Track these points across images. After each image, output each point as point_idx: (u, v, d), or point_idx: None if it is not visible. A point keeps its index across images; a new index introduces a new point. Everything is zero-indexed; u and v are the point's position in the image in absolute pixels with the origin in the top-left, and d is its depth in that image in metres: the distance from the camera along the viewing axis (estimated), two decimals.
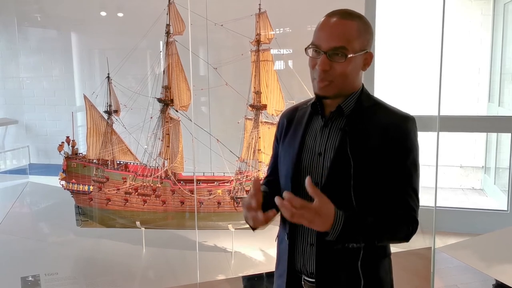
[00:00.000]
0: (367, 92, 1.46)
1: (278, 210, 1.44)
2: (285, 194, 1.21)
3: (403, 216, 1.37)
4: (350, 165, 1.34)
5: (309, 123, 1.47)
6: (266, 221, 1.35)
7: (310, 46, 1.38)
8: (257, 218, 1.33)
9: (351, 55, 1.33)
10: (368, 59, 1.41)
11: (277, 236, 1.58)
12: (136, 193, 3.73)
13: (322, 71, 1.34)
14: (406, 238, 1.39)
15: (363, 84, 1.45)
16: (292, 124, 1.52)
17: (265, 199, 1.37)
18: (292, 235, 1.46)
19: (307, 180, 1.23)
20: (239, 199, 3.65)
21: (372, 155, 1.34)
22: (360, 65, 1.39)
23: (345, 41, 1.33)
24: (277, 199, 1.21)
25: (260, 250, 3.66)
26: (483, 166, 5.94)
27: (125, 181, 3.74)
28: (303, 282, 1.47)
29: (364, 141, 1.36)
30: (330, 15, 1.37)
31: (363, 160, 1.34)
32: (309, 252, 1.43)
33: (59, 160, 3.79)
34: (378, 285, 1.44)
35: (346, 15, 1.36)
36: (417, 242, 3.28)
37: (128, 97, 3.68)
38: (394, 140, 1.35)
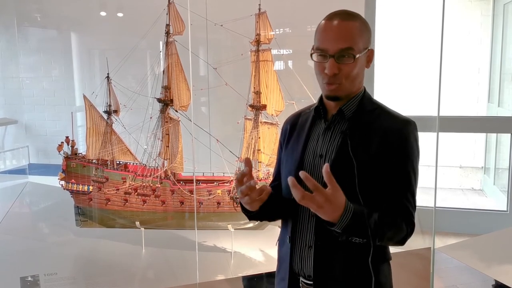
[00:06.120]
0: (369, 95, 1.46)
1: (280, 212, 1.48)
2: (301, 173, 1.20)
3: (402, 218, 1.37)
4: (351, 166, 1.34)
5: (312, 127, 1.47)
6: (260, 194, 1.34)
7: (315, 51, 1.36)
8: (251, 186, 1.31)
9: (358, 55, 1.33)
10: (370, 56, 1.41)
11: (278, 239, 1.58)
12: (136, 193, 3.72)
13: (332, 75, 1.33)
14: (402, 240, 1.39)
15: (364, 87, 1.46)
16: (295, 129, 1.53)
17: (271, 199, 1.39)
18: (292, 237, 1.46)
19: (325, 167, 1.21)
20: (238, 199, 3.64)
21: (372, 158, 1.34)
22: (364, 64, 1.40)
23: (351, 42, 1.32)
24: (289, 179, 1.19)
25: (260, 250, 3.66)
26: (482, 167, 5.94)
27: (125, 181, 3.74)
28: (301, 285, 1.46)
29: (365, 144, 1.36)
30: (331, 17, 1.36)
31: (363, 162, 1.34)
32: (307, 254, 1.43)
33: (59, 160, 3.79)
34: None
35: (347, 16, 1.35)
36: (416, 242, 3.28)
37: (128, 97, 3.68)
38: (394, 145, 1.35)
